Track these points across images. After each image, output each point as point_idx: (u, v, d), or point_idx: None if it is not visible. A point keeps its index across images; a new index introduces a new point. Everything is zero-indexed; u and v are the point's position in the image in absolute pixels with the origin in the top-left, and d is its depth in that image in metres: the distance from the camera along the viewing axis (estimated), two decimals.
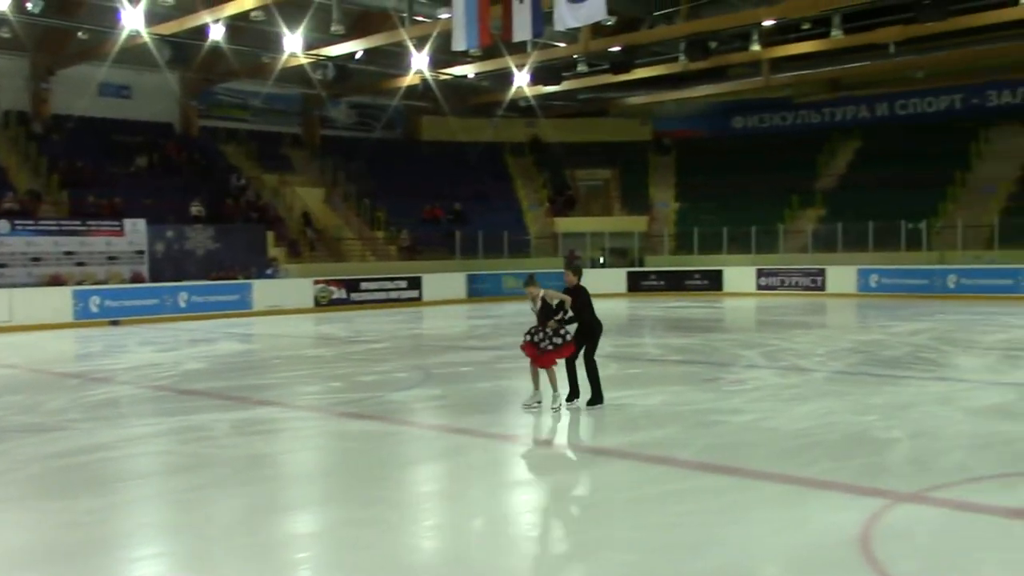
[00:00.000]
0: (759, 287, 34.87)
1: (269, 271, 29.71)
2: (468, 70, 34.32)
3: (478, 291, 34.12)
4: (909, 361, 14.64)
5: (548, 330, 10.37)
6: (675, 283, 36.23)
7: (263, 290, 28.52)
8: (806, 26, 32.19)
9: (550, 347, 10.37)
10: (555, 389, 10.55)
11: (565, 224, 39.88)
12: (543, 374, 10.50)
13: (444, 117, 40.36)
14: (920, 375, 13.25)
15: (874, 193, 37.53)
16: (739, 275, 35.40)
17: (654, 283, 36.52)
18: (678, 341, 18.54)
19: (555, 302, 10.51)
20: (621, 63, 33.23)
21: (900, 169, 38.19)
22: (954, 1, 27.54)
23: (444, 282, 33.45)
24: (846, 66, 36.61)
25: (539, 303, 10.47)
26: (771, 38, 32.95)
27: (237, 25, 28.46)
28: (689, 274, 36.38)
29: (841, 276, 33.16)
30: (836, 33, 29.48)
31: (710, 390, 12.08)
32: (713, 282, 35.63)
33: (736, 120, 45.20)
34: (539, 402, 10.58)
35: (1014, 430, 9.26)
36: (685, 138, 45.13)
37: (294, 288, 29.45)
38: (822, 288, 33.45)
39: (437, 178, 40.14)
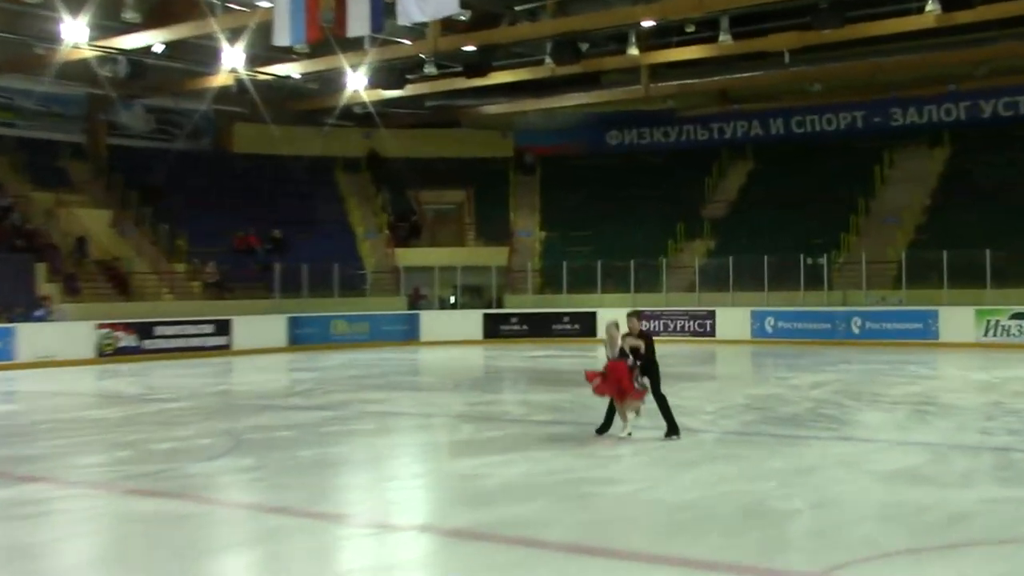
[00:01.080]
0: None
1: (39, 312, 28.68)
2: (292, 69, 34.06)
3: (301, 338, 33.63)
4: (810, 419, 15.20)
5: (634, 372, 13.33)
6: (540, 328, 36.65)
7: (31, 336, 27.50)
8: (690, 29, 33.39)
9: (637, 386, 13.31)
10: (623, 420, 13.32)
11: (408, 256, 39.85)
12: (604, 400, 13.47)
13: (263, 125, 39.83)
14: (822, 435, 13.76)
15: (769, 222, 39.06)
16: (616, 317, 36.08)
17: (515, 328, 36.85)
18: (545, 397, 18.67)
19: (629, 347, 13.43)
20: (476, 65, 33.67)
21: (798, 195, 39.92)
22: (853, 7, 29.19)
23: (259, 326, 32.88)
24: (736, 76, 38.15)
25: (616, 349, 13.33)
26: (651, 41, 34.05)
27: (3, 7, 27.41)
28: (557, 317, 36.89)
29: (733, 319, 34.31)
30: (724, 38, 30.71)
31: (583, 456, 12.18)
32: (585, 327, 36.18)
33: (612, 135, 46.41)
34: (629, 433, 13.16)
35: (925, 498, 9.71)
36: (552, 155, 45.97)
37: (71, 333, 28.46)
38: (712, 333, 34.50)
39: (253, 198, 39.52)
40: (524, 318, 37.06)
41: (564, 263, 38.41)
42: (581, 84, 39.74)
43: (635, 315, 14.16)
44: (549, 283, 39.38)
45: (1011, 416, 15.22)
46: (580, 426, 14.76)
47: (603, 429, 13.56)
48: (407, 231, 41.66)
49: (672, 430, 13.25)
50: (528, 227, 42.82)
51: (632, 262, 37.00)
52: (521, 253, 41.19)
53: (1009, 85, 38.96)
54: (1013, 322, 29.73)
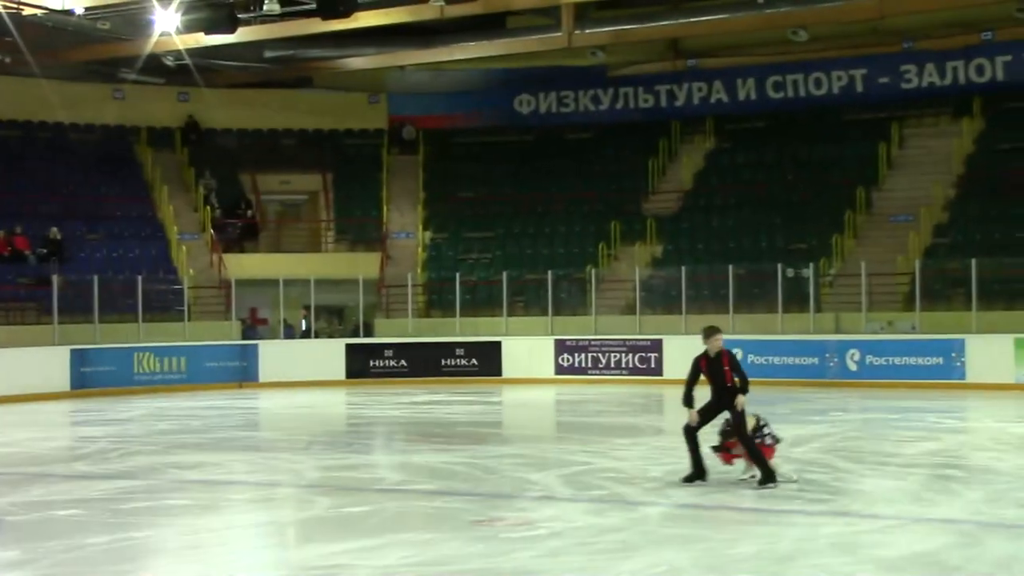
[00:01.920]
0: (560, 369, 35.79)
1: None
2: (74, 1, 33.53)
3: (90, 378, 33.09)
4: (788, 487, 15.34)
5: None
6: (425, 364, 36.55)
7: None
8: None
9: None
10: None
11: (243, 265, 39.46)
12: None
13: (30, 80, 39.16)
14: (809, 509, 13.90)
15: (736, 221, 39.56)
16: (528, 351, 36.23)
17: (391, 364, 36.72)
18: (430, 459, 18.61)
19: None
20: (335, 3, 33.53)
21: (775, 184, 40.52)
22: None
23: (30, 362, 32.28)
24: (691, 20, 38.62)
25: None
26: None
27: None
28: (447, 349, 36.85)
29: (686, 352, 34.11)
30: None
31: (479, 539, 12.14)
32: (487, 363, 36.20)
33: (521, 101, 46.55)
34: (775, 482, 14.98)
35: None
36: (440, 128, 46.01)
37: None
38: (658, 371, 34.69)
39: (19, 185, 38.80)
40: (402, 351, 36.93)
41: (457, 276, 38.37)
42: (480, 30, 39.88)
43: (713, 330, 16.29)
44: (437, 303, 39.39)
45: None
46: (477, 499, 14.72)
47: (695, 477, 15.48)
48: (240, 231, 41.30)
49: (768, 475, 15.02)
50: (407, 226, 42.80)
51: (550, 275, 37.12)
52: (398, 262, 41.14)
53: None
54: None
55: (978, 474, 16.46)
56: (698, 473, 15.48)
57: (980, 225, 36.40)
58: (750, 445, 15.23)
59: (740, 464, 15.61)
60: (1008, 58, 40.71)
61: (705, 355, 16.22)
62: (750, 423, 15.37)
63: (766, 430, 15.59)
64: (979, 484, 15.47)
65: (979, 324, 31.95)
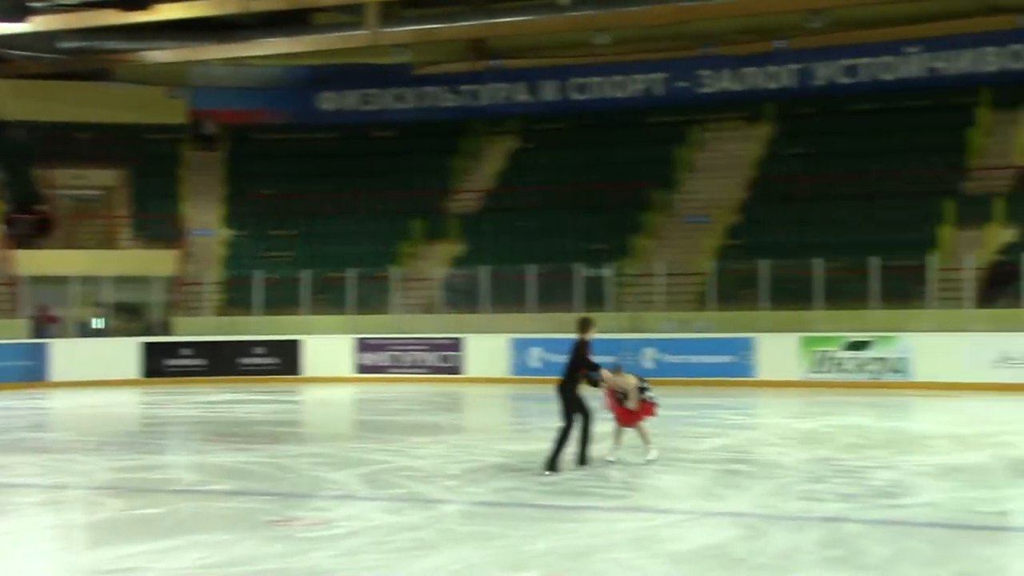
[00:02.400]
0: (361, 368, 35.77)
1: None
2: None
3: None
4: (588, 483, 15.57)
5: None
6: (223, 362, 36.20)
7: None
8: None
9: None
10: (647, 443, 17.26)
11: (34, 261, 38.52)
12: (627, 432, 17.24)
13: None
14: (605, 505, 14.13)
15: (537, 220, 39.93)
16: (329, 349, 36.12)
17: (188, 363, 36.22)
18: (226, 459, 18.40)
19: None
20: None
21: (576, 185, 41.02)
22: None
23: None
24: (495, 20, 38.87)
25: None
26: None
27: None
28: (246, 347, 36.51)
29: (487, 350, 34.82)
30: None
31: (276, 539, 12.06)
32: (287, 360, 36.01)
33: (325, 99, 46.39)
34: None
35: None
36: (242, 124, 45.60)
37: None
38: (458, 369, 34.93)
39: None
40: (201, 349, 36.48)
41: (258, 273, 38.05)
42: (284, 25, 39.57)
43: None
44: (236, 301, 38.98)
45: (843, 476, 16.10)
46: (274, 498, 14.62)
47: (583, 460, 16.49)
48: (31, 226, 40.35)
49: (551, 464, 15.95)
50: (207, 223, 42.25)
51: (351, 273, 37.04)
52: (198, 259, 40.62)
53: (851, 44, 41.40)
54: (848, 354, 31.54)
55: (765, 468, 16.89)
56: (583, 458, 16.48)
57: (770, 227, 37.41)
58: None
59: (653, 453, 17.18)
60: (799, 66, 42.01)
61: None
62: (631, 381, 17.23)
63: (648, 393, 17.30)
64: (765, 478, 15.88)
65: (768, 323, 32.88)
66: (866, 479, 15.90)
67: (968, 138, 38.49)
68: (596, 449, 16.74)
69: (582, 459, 16.42)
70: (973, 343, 30.43)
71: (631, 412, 17.19)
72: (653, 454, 17.13)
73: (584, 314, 19.30)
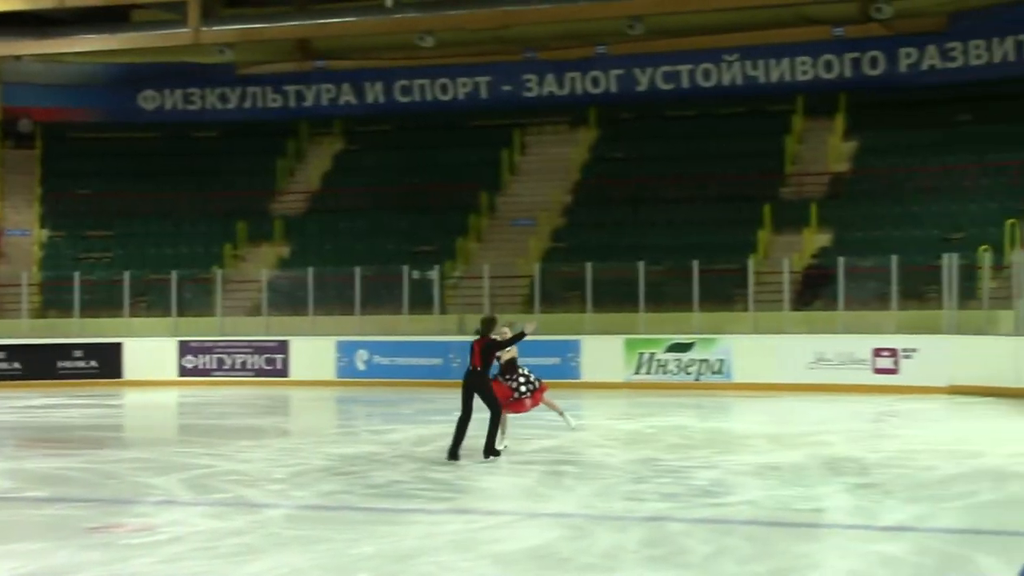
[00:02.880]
0: (185, 371, 35.31)
1: None
2: None
3: None
4: (415, 486, 15.60)
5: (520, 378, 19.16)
6: (40, 366, 35.42)
7: None
8: None
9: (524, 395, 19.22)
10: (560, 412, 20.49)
11: None
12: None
13: None
14: (431, 507, 14.16)
15: (364, 223, 39.90)
16: (151, 352, 35.59)
17: (3, 367, 35.34)
18: (43, 465, 18.02)
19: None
20: None
21: (402, 187, 41.03)
22: None
23: None
24: (320, 21, 38.69)
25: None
26: None
27: None
28: (65, 351, 35.77)
29: (313, 353, 34.66)
30: None
31: (96, 546, 11.84)
32: (107, 363, 35.37)
33: (146, 98, 45.66)
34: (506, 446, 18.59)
35: None
36: (58, 122, 44.65)
37: None
38: (284, 372, 34.71)
39: None
40: (15, 352, 35.64)
41: (76, 275, 37.26)
42: (102, 21, 38.90)
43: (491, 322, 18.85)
44: (54, 303, 38.20)
45: (666, 476, 16.41)
46: (94, 505, 14.37)
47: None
48: None
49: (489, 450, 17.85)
50: (22, 223, 41.41)
51: (174, 274, 36.53)
52: (13, 260, 39.81)
53: (671, 51, 42.07)
54: (671, 355, 32.08)
55: (590, 469, 17.12)
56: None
57: (594, 230, 37.87)
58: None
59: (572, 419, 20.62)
60: (620, 71, 42.56)
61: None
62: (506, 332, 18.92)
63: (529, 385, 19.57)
64: (590, 479, 16.09)
65: (593, 325, 33.28)
66: (688, 479, 16.23)
67: (784, 145, 39.44)
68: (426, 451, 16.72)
69: (453, 453, 17.71)
70: (790, 345, 31.25)
71: (518, 402, 19.21)
72: (572, 422, 20.77)
73: (486, 315, 20.68)
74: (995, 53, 38.56)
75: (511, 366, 19.53)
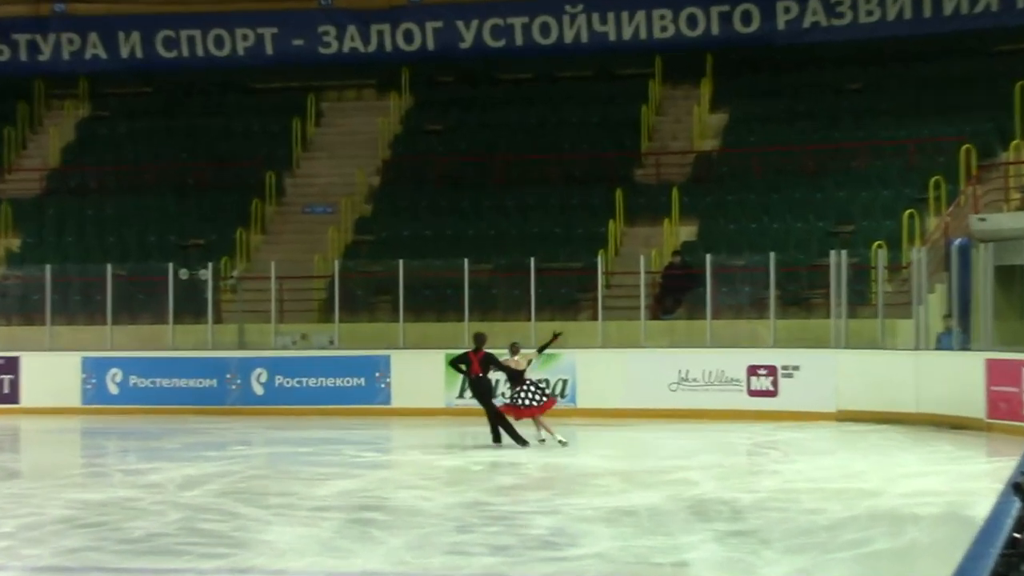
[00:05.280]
0: None
1: None
2: None
3: None
4: (180, 539, 15.41)
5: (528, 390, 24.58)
6: None
7: None
8: None
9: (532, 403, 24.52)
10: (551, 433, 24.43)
11: None
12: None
13: None
14: (203, 565, 14.03)
15: (116, 208, 39.33)
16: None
17: None
18: None
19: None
20: None
21: (166, 165, 40.53)
22: None
23: None
24: None
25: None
26: None
27: None
28: None
29: (52, 373, 33.86)
30: None
31: None
32: None
33: None
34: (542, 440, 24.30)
35: None
36: None
37: None
38: (13, 397, 33.86)
39: None
40: None
41: None
42: None
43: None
44: None
45: (496, 524, 16.46)
46: None
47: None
48: None
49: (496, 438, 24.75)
50: None
51: None
52: None
53: (501, 0, 42.20)
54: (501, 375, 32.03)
55: (402, 516, 17.11)
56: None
57: (407, 220, 37.76)
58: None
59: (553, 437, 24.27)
60: (439, 24, 42.36)
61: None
62: (521, 363, 24.94)
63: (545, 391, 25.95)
64: (403, 528, 16.07)
65: (406, 338, 33.13)
66: (523, 527, 16.31)
67: (639, 116, 39.69)
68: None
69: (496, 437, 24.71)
70: (647, 361, 31.50)
71: (520, 408, 24.52)
72: (560, 438, 24.29)
73: (477, 329, 26.68)
74: (889, 9, 39.26)
75: (518, 379, 24.68)
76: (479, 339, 25.22)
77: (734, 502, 17.98)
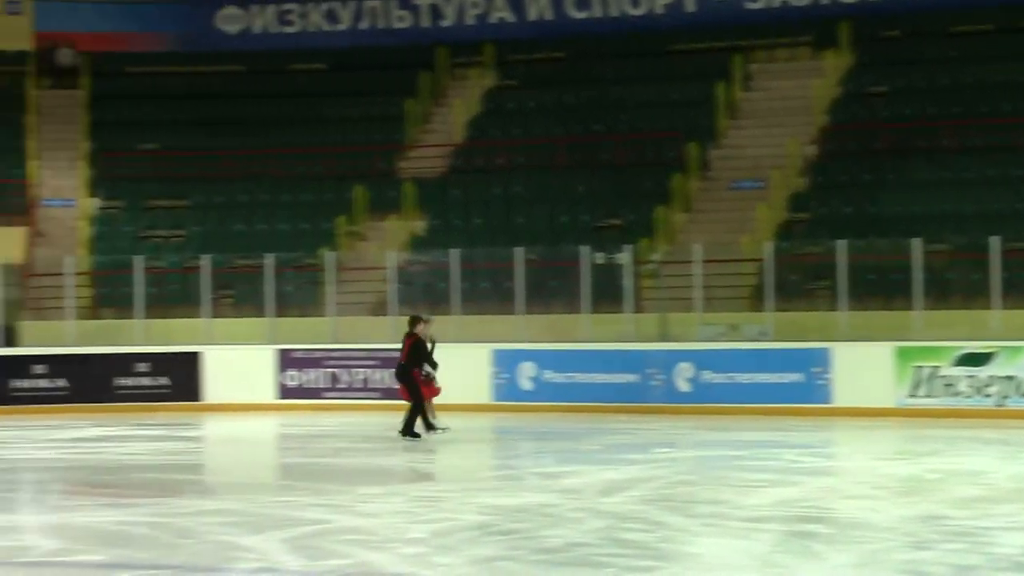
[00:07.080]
0: (285, 391, 35.67)
1: None
2: None
3: None
4: (602, 549, 15.58)
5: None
6: (93, 385, 36.03)
7: None
8: None
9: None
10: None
11: None
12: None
13: None
14: None
15: (524, 187, 40.08)
16: (240, 366, 35.97)
17: (43, 385, 36.09)
18: (98, 519, 18.33)
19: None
20: None
21: (578, 138, 41.11)
22: None
23: None
24: None
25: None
26: None
27: None
28: (125, 364, 36.38)
29: (460, 365, 34.45)
30: None
31: None
32: (181, 382, 35.86)
33: (228, 17, 46.34)
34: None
35: None
36: (112, 52, 45.60)
37: None
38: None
39: None
40: (60, 366, 36.35)
41: (137, 260, 37.77)
42: None
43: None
44: (109, 299, 38.97)
45: (958, 541, 16.09)
46: (164, 571, 14.56)
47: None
48: None
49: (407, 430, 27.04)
50: (65, 191, 42.23)
51: (269, 259, 36.82)
52: (53, 240, 40.63)
53: None
54: (961, 370, 31.36)
55: (847, 530, 16.87)
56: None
57: (848, 195, 37.33)
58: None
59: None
60: None
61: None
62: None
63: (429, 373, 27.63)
64: (848, 543, 15.84)
65: (851, 328, 32.78)
66: (990, 544, 15.89)
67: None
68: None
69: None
70: None
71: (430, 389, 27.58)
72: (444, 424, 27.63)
73: (415, 313, 28.48)
74: None
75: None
76: (412, 322, 27.52)
77: None
